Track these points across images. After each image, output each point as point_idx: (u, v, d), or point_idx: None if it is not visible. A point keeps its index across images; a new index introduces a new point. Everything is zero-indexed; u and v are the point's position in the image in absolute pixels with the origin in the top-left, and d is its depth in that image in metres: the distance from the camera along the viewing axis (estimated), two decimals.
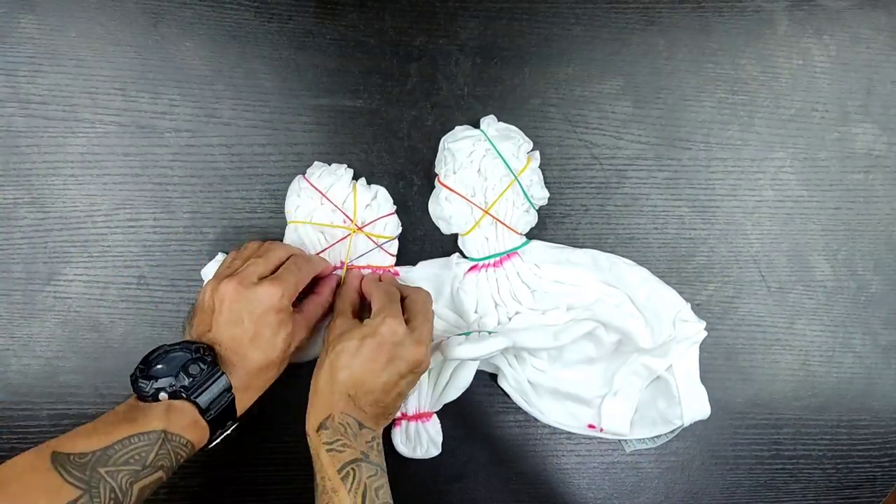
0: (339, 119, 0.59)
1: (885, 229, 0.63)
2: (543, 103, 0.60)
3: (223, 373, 0.45)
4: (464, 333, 0.54)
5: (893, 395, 0.62)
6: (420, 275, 0.57)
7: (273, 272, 0.50)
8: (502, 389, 0.57)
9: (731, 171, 0.61)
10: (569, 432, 0.58)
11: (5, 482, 0.40)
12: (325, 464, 0.45)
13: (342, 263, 0.56)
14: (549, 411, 0.57)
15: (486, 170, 0.55)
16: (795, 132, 0.62)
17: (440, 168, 0.57)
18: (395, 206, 0.57)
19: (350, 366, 0.47)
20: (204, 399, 0.44)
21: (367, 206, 0.56)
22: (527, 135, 0.58)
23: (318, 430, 0.46)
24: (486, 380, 0.58)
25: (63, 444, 0.41)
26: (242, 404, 0.48)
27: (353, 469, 0.44)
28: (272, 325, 0.48)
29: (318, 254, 0.56)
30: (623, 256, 0.60)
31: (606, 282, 0.57)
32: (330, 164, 0.57)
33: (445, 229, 0.57)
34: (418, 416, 0.56)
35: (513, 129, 0.57)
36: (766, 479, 0.61)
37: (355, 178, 0.57)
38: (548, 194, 0.58)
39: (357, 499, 0.43)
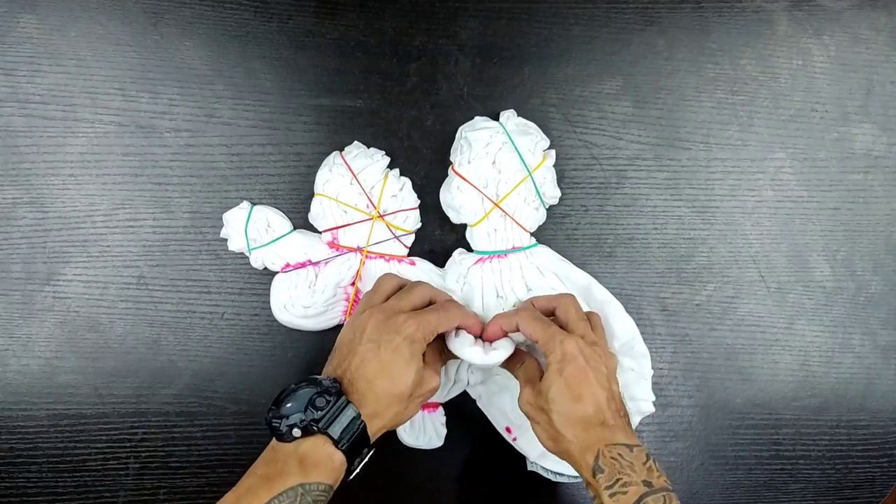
0: (339, 119, 0.59)
1: (884, 230, 0.63)
2: (543, 103, 0.60)
3: (349, 402, 0.45)
4: None
5: (892, 396, 0.62)
6: (422, 268, 0.57)
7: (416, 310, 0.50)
8: None
9: (731, 172, 0.61)
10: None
11: None
12: None
13: (359, 248, 0.56)
14: (487, 400, 0.57)
15: (500, 162, 0.55)
16: (795, 132, 0.62)
17: (455, 156, 0.57)
18: (419, 202, 0.58)
19: (573, 403, 0.47)
20: (335, 429, 0.44)
21: (393, 196, 0.57)
22: None
23: (595, 476, 0.45)
24: None
25: None
26: (373, 431, 0.47)
27: None
28: (404, 357, 0.47)
29: (335, 230, 0.56)
30: (623, 256, 0.60)
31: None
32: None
33: (455, 218, 0.57)
34: (424, 406, 0.56)
35: (531, 126, 0.57)
36: (766, 479, 0.61)
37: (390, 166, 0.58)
38: (560, 193, 0.58)
39: None
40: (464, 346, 0.51)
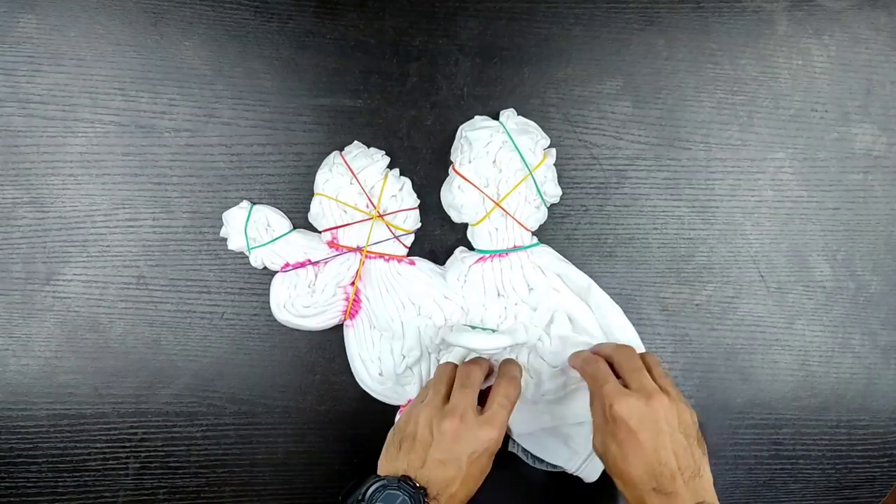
0: (339, 119, 0.59)
1: (884, 229, 0.63)
2: (543, 103, 0.60)
3: None
4: (471, 326, 0.55)
5: (892, 396, 0.62)
6: (422, 267, 0.58)
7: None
8: None
9: (731, 172, 0.61)
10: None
11: None
12: None
13: (358, 248, 0.56)
14: None
15: (501, 162, 0.55)
16: (795, 132, 0.62)
17: (455, 156, 0.57)
18: (419, 202, 0.58)
19: (623, 468, 0.46)
20: None
21: (393, 196, 0.57)
22: None
23: None
24: None
25: None
26: None
27: None
28: (483, 467, 0.47)
29: (334, 230, 0.56)
30: (623, 256, 0.60)
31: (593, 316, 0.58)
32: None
33: (456, 218, 0.57)
34: None
35: (531, 125, 0.57)
36: (766, 479, 0.61)
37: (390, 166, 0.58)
38: (560, 192, 0.58)
39: None
40: (462, 334, 0.51)
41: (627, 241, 0.60)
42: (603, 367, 0.50)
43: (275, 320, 0.57)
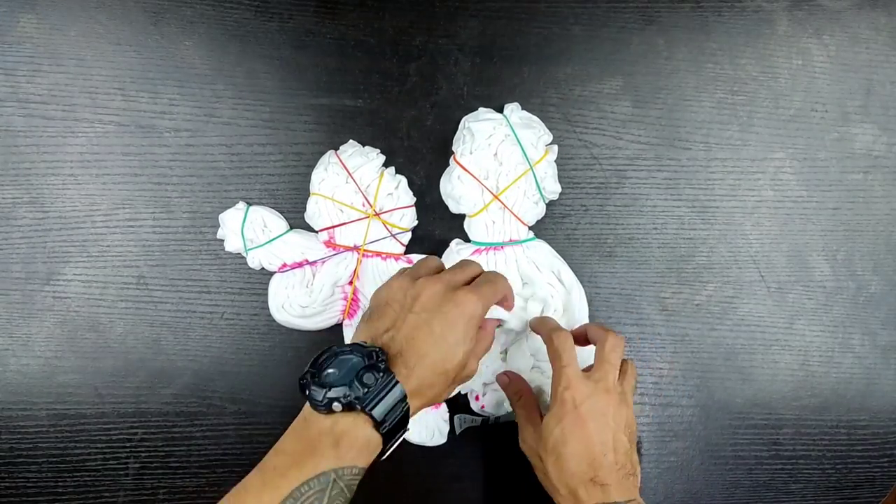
0: (339, 118, 0.59)
1: (884, 229, 0.63)
2: (543, 103, 0.60)
3: (398, 381, 0.41)
4: None
5: (892, 396, 0.62)
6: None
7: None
8: None
9: (731, 172, 0.61)
10: None
11: None
12: None
13: (355, 247, 0.56)
14: None
15: (502, 155, 0.56)
16: (795, 132, 0.62)
17: (457, 146, 0.57)
18: (415, 199, 0.58)
19: (566, 456, 0.46)
20: (379, 411, 0.40)
21: (389, 194, 0.57)
22: None
23: None
24: None
25: None
26: (412, 410, 0.42)
27: None
28: (460, 333, 0.43)
29: (331, 229, 0.56)
30: (623, 256, 0.60)
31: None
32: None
33: (454, 208, 0.57)
34: None
35: (535, 120, 0.57)
36: (766, 479, 0.61)
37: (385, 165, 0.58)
38: (560, 189, 0.58)
39: None
40: None
41: (627, 241, 0.60)
42: (570, 345, 0.49)
43: (274, 320, 0.57)
